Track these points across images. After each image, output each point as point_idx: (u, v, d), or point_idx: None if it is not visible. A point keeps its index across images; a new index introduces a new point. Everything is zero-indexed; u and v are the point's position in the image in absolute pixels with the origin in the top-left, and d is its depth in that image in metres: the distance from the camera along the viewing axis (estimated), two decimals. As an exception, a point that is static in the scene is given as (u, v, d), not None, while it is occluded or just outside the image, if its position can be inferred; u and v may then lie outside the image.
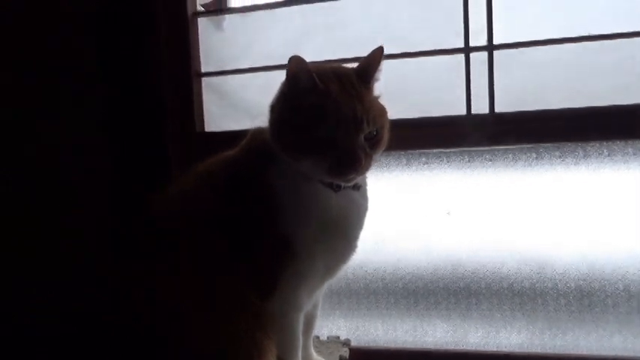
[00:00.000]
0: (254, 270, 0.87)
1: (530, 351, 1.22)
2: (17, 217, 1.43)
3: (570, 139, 1.15)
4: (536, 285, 1.21)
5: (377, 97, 0.92)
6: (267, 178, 0.89)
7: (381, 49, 0.89)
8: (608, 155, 1.16)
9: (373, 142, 0.86)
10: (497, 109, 1.19)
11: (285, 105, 0.88)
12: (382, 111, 0.90)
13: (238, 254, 0.87)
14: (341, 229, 0.92)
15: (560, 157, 1.18)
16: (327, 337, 1.26)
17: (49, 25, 1.36)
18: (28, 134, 1.40)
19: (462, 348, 1.27)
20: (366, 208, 0.97)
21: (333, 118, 0.82)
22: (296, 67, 0.83)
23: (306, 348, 1.04)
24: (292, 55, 0.82)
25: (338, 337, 1.26)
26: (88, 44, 1.34)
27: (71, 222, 1.39)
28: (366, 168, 0.86)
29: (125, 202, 1.31)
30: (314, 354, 1.07)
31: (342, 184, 0.88)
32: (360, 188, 0.95)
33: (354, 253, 0.96)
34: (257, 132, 0.96)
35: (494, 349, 1.25)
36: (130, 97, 1.32)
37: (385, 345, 1.31)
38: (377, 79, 0.91)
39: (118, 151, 1.33)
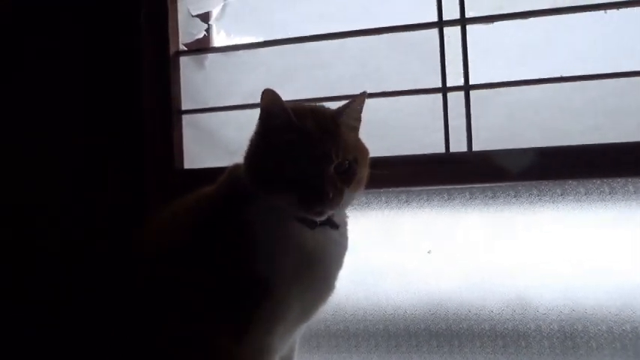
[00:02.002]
0: (227, 310, 0.84)
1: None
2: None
3: (548, 177, 1.16)
4: (519, 326, 1.18)
5: (357, 138, 0.93)
6: (242, 215, 0.88)
7: (364, 94, 0.92)
8: (585, 194, 1.16)
9: (346, 177, 0.85)
10: (474, 148, 1.20)
11: (258, 139, 0.89)
12: (358, 148, 0.91)
13: (212, 294, 0.85)
14: (317, 268, 0.90)
15: (537, 195, 1.19)
16: (306, 383, 1.21)
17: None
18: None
19: (445, 393, 1.22)
20: (345, 248, 0.96)
21: (302, 150, 0.82)
22: (268, 101, 0.85)
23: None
24: (265, 88, 0.84)
25: (317, 382, 1.21)
26: (74, 80, 1.36)
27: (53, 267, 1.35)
28: (337, 202, 0.84)
29: (105, 238, 1.29)
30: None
31: (315, 218, 0.87)
32: (338, 227, 0.93)
33: (332, 294, 0.94)
34: (234, 168, 0.95)
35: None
36: (111, 133, 1.32)
37: (366, 390, 1.26)
38: (357, 120, 0.92)
39: (98, 189, 1.31)
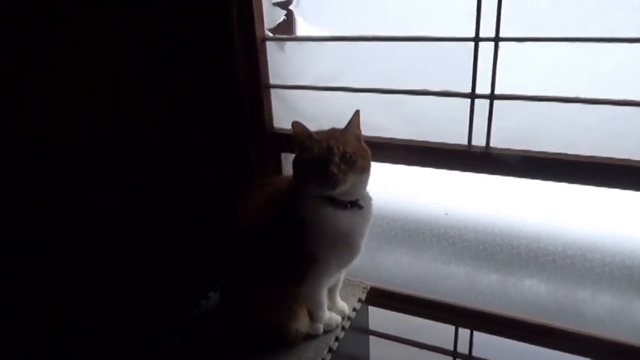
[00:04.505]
0: (290, 269, 1.40)
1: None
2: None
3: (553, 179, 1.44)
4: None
5: (359, 142, 1.33)
6: (299, 213, 1.34)
7: (357, 112, 1.33)
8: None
9: (349, 164, 1.24)
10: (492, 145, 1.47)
11: (296, 156, 1.34)
12: (360, 147, 1.30)
13: (281, 262, 1.39)
14: (348, 240, 1.36)
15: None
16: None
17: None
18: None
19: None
20: (367, 222, 1.40)
21: (316, 148, 1.26)
22: (296, 129, 1.30)
23: (332, 299, 1.60)
24: (293, 121, 1.30)
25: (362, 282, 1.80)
26: (188, 69, 1.82)
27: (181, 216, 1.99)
28: (343, 179, 1.22)
29: (223, 195, 1.91)
30: (339, 303, 1.62)
31: (332, 191, 1.24)
32: (362, 208, 1.37)
33: (359, 255, 1.43)
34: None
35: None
36: (219, 107, 1.79)
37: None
38: (356, 128, 1.34)
39: (218, 153, 1.87)
